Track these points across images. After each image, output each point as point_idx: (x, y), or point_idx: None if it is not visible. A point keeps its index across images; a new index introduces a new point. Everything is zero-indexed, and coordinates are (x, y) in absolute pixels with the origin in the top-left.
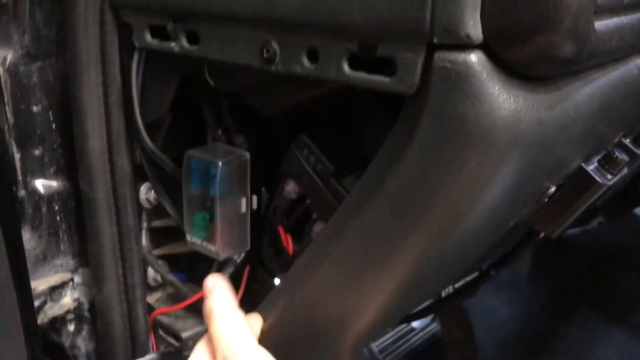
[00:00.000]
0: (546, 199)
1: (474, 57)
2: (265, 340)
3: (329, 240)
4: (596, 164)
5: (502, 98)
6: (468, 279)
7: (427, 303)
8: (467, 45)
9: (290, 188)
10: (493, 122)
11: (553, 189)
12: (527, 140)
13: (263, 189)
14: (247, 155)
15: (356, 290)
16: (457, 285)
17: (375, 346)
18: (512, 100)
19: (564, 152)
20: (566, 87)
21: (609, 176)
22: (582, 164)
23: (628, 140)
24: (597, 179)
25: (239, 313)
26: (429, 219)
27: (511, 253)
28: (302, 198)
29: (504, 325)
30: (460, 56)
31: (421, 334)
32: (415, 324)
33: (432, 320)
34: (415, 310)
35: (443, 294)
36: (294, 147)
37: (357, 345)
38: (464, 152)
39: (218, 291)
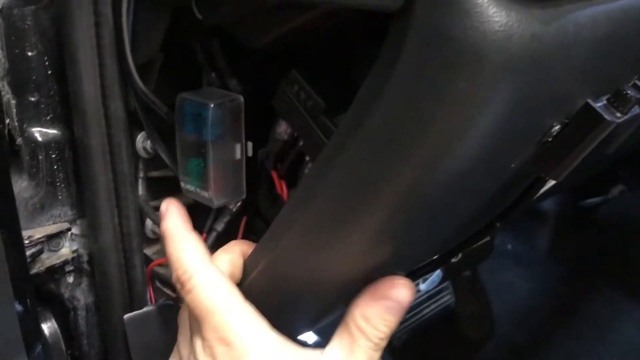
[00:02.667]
0: (550, 139)
1: None
2: (252, 289)
3: (316, 179)
4: (605, 101)
5: (491, 11)
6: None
7: (428, 260)
8: None
9: (282, 129)
10: (482, 36)
11: (557, 127)
12: (521, 58)
13: None
14: (241, 98)
15: (342, 234)
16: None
17: None
18: (503, 13)
19: (564, 82)
20: (565, 3)
21: (618, 114)
22: (589, 100)
23: None
24: (605, 116)
25: (191, 234)
26: (417, 150)
27: (516, 202)
28: (294, 140)
29: (522, 300)
30: None
31: (433, 306)
32: (422, 286)
33: (443, 290)
34: (417, 267)
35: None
36: (284, 84)
37: (346, 300)
38: (451, 71)
39: (170, 214)
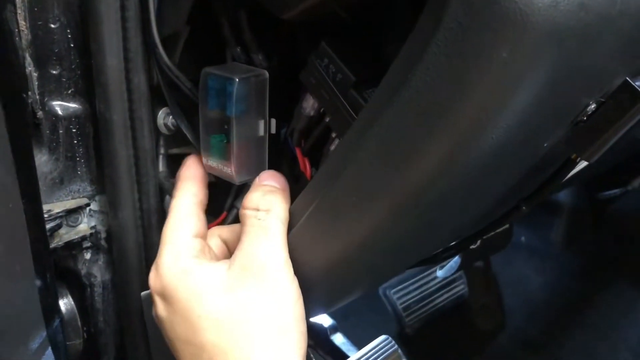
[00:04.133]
0: (585, 118)
1: None
2: None
3: (346, 152)
4: None
5: None
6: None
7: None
8: None
9: (309, 104)
10: (528, 2)
11: (593, 106)
12: (567, 28)
13: None
14: (266, 74)
15: (373, 207)
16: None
17: (399, 304)
18: None
19: (607, 57)
20: None
21: None
22: (627, 79)
23: None
24: None
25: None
26: (456, 119)
27: (544, 185)
28: (320, 116)
29: (535, 293)
30: None
31: (446, 295)
32: (440, 272)
33: (456, 280)
34: (439, 251)
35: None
36: (313, 57)
37: (377, 276)
38: (495, 38)
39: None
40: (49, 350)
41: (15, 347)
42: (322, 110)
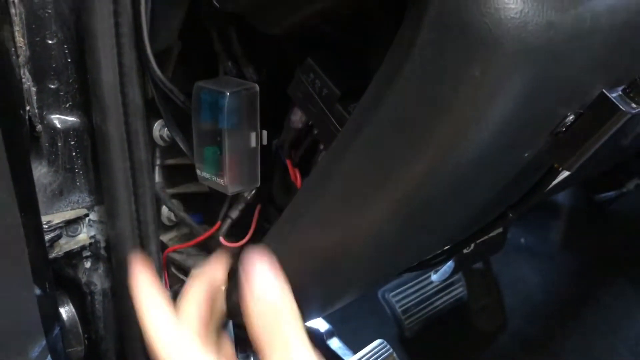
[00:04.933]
0: (564, 129)
1: None
2: None
3: (331, 163)
4: (620, 92)
5: None
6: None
7: (442, 249)
8: None
9: (297, 117)
10: (498, 23)
11: (571, 117)
12: (536, 46)
13: None
14: (257, 87)
15: (355, 217)
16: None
17: (398, 307)
18: (518, 0)
19: (579, 71)
20: None
21: (634, 105)
22: (604, 90)
23: None
24: (620, 106)
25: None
26: (431, 134)
27: (529, 193)
28: (309, 129)
29: (535, 294)
30: None
31: (445, 298)
32: (434, 277)
33: (455, 282)
34: (430, 256)
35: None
36: (299, 72)
37: (367, 282)
38: (466, 57)
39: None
40: (49, 359)
41: (14, 356)
42: (310, 122)
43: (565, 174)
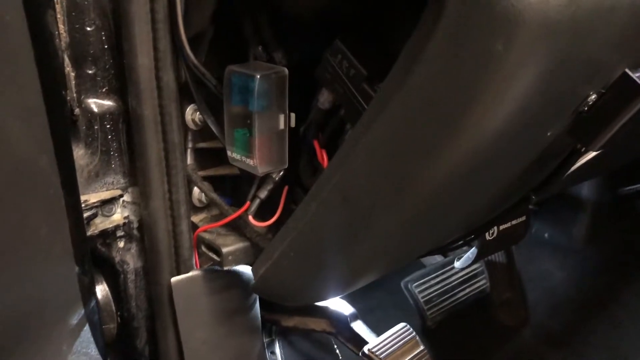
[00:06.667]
0: (585, 108)
1: None
2: (294, 248)
3: (357, 138)
4: None
5: None
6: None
7: (464, 232)
8: None
9: (324, 98)
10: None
11: (594, 97)
12: (558, 23)
13: None
14: (286, 71)
15: (381, 190)
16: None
17: (421, 298)
18: None
19: (601, 48)
20: None
21: None
22: (626, 70)
23: None
24: None
25: None
26: (457, 109)
27: (552, 175)
28: (336, 109)
29: (559, 289)
30: None
31: (468, 290)
32: (457, 264)
33: (478, 275)
34: (453, 239)
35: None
36: (327, 53)
37: (387, 260)
38: (490, 33)
39: None
40: (87, 327)
41: (56, 322)
42: (336, 103)
43: (587, 157)
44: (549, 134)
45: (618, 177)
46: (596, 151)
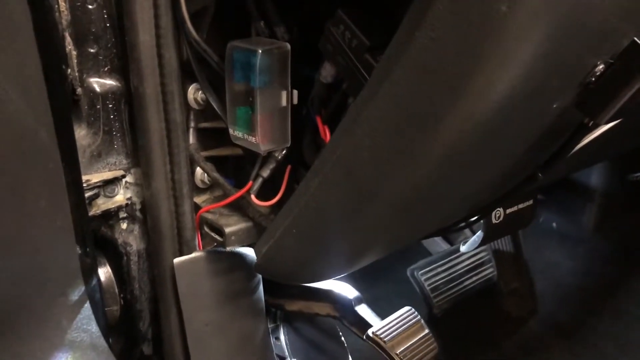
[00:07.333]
0: (593, 79)
1: None
2: (297, 225)
3: (358, 109)
4: None
5: None
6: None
7: (469, 210)
8: None
9: (327, 71)
10: None
11: (601, 67)
12: None
13: None
14: (288, 46)
15: (383, 162)
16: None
17: (427, 285)
18: None
19: (610, 16)
20: None
21: None
22: (635, 39)
23: None
24: None
25: None
26: (461, 74)
27: (558, 152)
28: (338, 84)
29: (567, 279)
30: None
31: (475, 278)
32: (463, 247)
33: (485, 263)
34: (458, 219)
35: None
36: (330, 24)
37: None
38: None
39: None
40: (87, 305)
41: (56, 295)
42: (339, 77)
43: (595, 134)
44: (554, 105)
45: (627, 165)
46: (605, 124)
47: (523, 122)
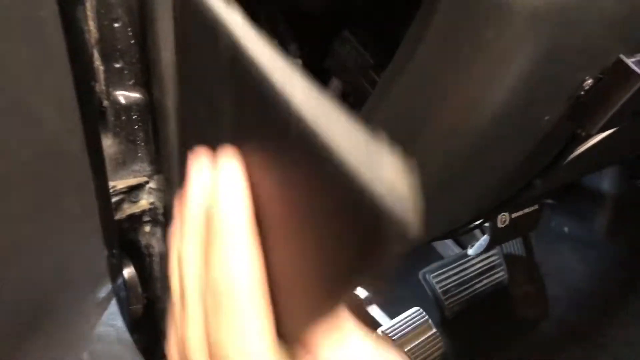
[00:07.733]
0: (582, 93)
1: None
2: None
3: (364, 121)
4: (638, 57)
5: None
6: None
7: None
8: None
9: (334, 87)
10: None
11: (590, 81)
12: (546, 11)
13: None
14: (299, 62)
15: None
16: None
17: (438, 288)
18: None
19: (595, 36)
20: None
21: None
22: (621, 55)
23: None
24: (636, 70)
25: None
26: (454, 91)
27: (554, 160)
28: (344, 99)
29: (579, 283)
30: None
31: (486, 281)
32: (470, 251)
33: (496, 267)
34: (462, 224)
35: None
36: (336, 43)
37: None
38: (479, 21)
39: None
40: (114, 302)
41: (85, 294)
42: (345, 92)
43: (592, 142)
44: (546, 118)
45: (637, 169)
46: (597, 133)
47: (516, 134)
